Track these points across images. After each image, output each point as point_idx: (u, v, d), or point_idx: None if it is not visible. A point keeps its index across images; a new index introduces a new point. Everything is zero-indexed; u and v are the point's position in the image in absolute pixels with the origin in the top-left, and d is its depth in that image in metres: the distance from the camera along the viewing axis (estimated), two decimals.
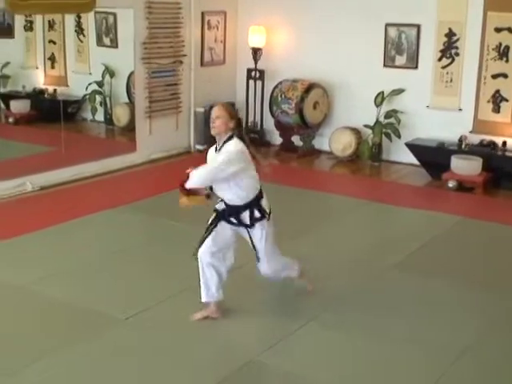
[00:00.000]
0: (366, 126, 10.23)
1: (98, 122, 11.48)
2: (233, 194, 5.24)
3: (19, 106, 11.61)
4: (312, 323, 5.45)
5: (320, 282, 6.19)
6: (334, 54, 10.58)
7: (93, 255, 6.70)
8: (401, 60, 10.15)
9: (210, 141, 10.61)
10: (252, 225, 5.32)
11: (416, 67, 10.05)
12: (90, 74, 11.27)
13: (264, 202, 5.40)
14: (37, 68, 11.79)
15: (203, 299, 5.40)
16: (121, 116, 11.05)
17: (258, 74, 10.98)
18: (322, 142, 10.92)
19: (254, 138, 11.15)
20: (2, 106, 12.04)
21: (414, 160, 9.91)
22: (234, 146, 5.20)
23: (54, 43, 11.46)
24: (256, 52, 10.83)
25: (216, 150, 5.36)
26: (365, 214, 8.27)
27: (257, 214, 5.32)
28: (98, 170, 9.46)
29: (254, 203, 5.32)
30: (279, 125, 10.94)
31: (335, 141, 10.50)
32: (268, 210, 5.41)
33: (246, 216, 5.30)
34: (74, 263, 6.53)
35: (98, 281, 6.13)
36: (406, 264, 6.67)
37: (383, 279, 6.34)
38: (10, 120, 11.62)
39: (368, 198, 8.69)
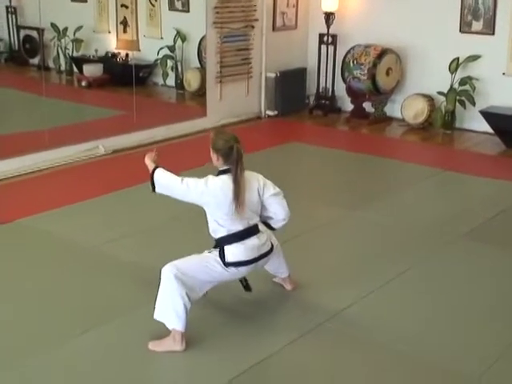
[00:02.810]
0: (439, 92, 10.04)
1: (169, 86, 11.53)
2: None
3: (92, 70, 11.73)
4: (385, 287, 5.45)
5: (392, 248, 6.19)
6: (408, 19, 10.37)
7: (163, 218, 6.76)
8: (477, 26, 9.90)
9: (280, 107, 10.70)
10: None
11: (493, 33, 9.80)
12: (162, 38, 11.31)
13: (227, 252, 4.70)
14: (109, 32, 11.88)
15: None
16: (191, 81, 11.07)
17: (330, 39, 10.84)
18: (393, 109, 10.77)
19: (325, 104, 11.10)
20: (75, 69, 12.20)
21: (488, 128, 9.69)
22: (208, 179, 4.70)
23: (126, 7, 11.51)
24: (328, 16, 10.68)
25: None
26: (436, 183, 8.15)
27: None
28: (168, 134, 9.51)
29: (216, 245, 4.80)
30: (351, 91, 10.81)
31: (407, 108, 10.34)
32: (231, 259, 4.71)
33: None
34: (144, 226, 6.63)
35: (170, 243, 6.18)
36: (479, 233, 6.56)
37: (455, 248, 6.25)
38: (83, 84, 11.76)
39: (440, 167, 8.56)
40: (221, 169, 4.70)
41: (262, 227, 4.94)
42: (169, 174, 4.80)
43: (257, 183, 4.81)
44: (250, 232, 4.77)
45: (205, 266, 4.70)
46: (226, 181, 4.63)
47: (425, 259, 6.00)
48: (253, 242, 4.77)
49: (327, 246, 6.39)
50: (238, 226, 4.71)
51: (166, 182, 4.78)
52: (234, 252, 4.70)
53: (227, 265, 4.70)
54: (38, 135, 8.70)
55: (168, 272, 4.59)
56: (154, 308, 4.64)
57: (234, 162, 4.60)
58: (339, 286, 5.50)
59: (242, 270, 4.80)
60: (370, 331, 4.88)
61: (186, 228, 6.52)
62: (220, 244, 4.74)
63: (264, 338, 4.79)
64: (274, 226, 5.02)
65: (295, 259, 5.54)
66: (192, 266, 4.67)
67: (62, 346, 4.66)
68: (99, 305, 5.20)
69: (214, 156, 4.71)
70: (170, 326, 4.61)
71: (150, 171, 4.85)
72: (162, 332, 4.65)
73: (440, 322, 5.04)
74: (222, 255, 4.70)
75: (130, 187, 7.58)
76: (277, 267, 5.30)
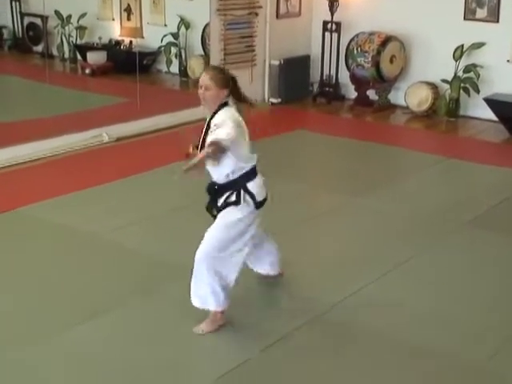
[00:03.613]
0: (443, 80, 10.01)
1: (173, 73, 11.53)
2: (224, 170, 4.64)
3: (96, 58, 11.74)
4: (388, 275, 5.45)
5: (395, 236, 6.20)
6: (413, 7, 10.33)
7: (166, 206, 6.77)
8: (481, 13, 9.86)
9: (284, 94, 10.68)
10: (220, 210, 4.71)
11: (497, 21, 9.76)
12: (166, 25, 11.31)
13: (252, 185, 4.67)
14: (113, 19, 11.88)
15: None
16: (195, 68, 11.07)
17: (334, 27, 10.80)
18: (397, 97, 10.74)
19: (328, 92, 11.08)
20: (79, 57, 12.20)
21: (492, 116, 9.67)
22: (225, 112, 4.57)
23: None
24: (332, 3, 10.63)
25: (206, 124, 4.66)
26: (440, 170, 8.14)
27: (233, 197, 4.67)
28: (172, 121, 9.50)
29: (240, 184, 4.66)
30: (355, 78, 10.79)
31: (411, 95, 10.32)
32: (259, 198, 4.68)
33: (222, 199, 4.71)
34: (147, 213, 6.62)
35: (173, 231, 6.20)
36: (483, 221, 6.57)
37: (458, 235, 6.26)
38: (87, 71, 11.77)
39: (443, 154, 8.55)
40: (224, 101, 4.60)
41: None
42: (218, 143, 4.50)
43: None
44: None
45: (231, 233, 4.63)
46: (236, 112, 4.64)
47: (428, 247, 6.00)
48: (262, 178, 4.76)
49: (329, 233, 6.39)
50: (254, 160, 4.69)
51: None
52: (257, 190, 4.65)
53: (258, 205, 4.65)
54: (41, 123, 8.72)
55: (198, 257, 4.60)
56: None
57: (235, 92, 4.67)
58: (341, 275, 5.51)
59: (257, 213, 4.73)
60: (373, 320, 4.88)
61: (192, 215, 6.51)
62: (241, 183, 4.62)
63: (261, 328, 4.78)
64: None
65: (297, 247, 5.56)
66: (220, 241, 4.62)
67: (63, 333, 4.68)
68: (101, 293, 5.21)
69: (221, 93, 4.58)
70: (211, 308, 4.66)
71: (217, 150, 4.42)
72: (166, 322, 4.68)
73: (445, 309, 5.04)
74: (252, 196, 4.62)
75: (135, 175, 7.59)
76: (272, 262, 5.20)
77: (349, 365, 4.42)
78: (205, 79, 4.59)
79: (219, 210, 4.70)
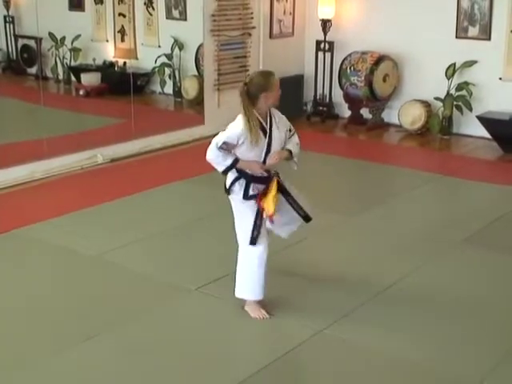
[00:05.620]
0: (436, 98, 10.07)
1: (167, 94, 11.54)
2: None
3: (90, 79, 11.74)
4: (377, 297, 5.45)
5: (390, 255, 6.19)
6: (405, 26, 10.40)
7: (163, 226, 6.77)
8: (473, 31, 9.93)
9: None
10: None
11: (489, 38, 9.83)
12: (159, 46, 11.32)
13: None
14: (107, 41, 11.90)
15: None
16: (189, 89, 11.08)
17: (327, 46, 10.88)
18: (391, 115, 10.79)
19: (322, 111, 11.12)
20: (73, 78, 12.21)
21: (485, 133, 9.72)
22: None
23: (124, 16, 11.53)
24: (325, 23, 10.72)
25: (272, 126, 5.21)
26: (434, 188, 8.16)
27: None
28: (166, 142, 9.53)
29: None
30: (348, 97, 10.84)
31: (405, 114, 10.36)
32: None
33: None
34: (144, 234, 6.61)
35: (170, 251, 6.19)
36: (478, 239, 6.57)
37: (453, 253, 6.26)
38: (81, 93, 11.76)
39: (437, 172, 8.58)
40: None
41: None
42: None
43: None
44: None
45: None
46: None
47: (424, 265, 6.00)
48: None
49: (323, 252, 6.37)
50: None
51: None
52: None
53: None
54: (36, 145, 8.71)
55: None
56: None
57: None
58: (336, 294, 5.48)
59: None
60: (370, 338, 4.88)
61: (190, 235, 6.53)
62: None
63: (258, 347, 4.77)
64: None
65: (292, 266, 5.54)
66: None
67: (58, 356, 4.65)
68: (100, 314, 5.19)
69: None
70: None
71: None
72: (163, 342, 4.65)
73: (441, 327, 5.04)
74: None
75: (130, 195, 7.59)
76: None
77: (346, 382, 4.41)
78: None
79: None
